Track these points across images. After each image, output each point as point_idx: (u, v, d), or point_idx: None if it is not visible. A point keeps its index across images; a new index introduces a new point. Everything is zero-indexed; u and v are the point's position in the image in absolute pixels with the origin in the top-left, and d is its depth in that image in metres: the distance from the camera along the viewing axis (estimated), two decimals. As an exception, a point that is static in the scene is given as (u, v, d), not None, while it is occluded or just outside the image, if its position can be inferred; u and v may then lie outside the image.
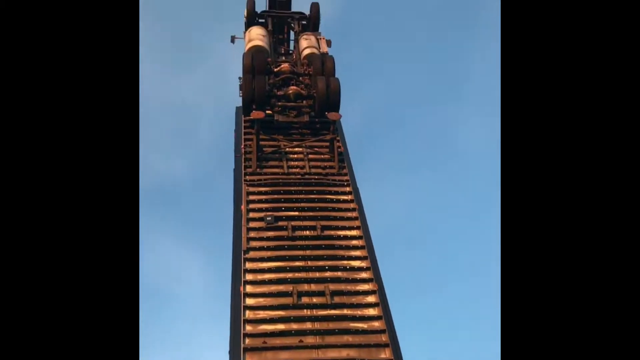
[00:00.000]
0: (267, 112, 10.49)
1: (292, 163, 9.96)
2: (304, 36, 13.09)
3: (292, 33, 14.65)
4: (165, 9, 30.59)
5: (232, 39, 14.74)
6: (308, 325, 7.13)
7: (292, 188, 9.39)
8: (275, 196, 9.20)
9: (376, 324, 7.23)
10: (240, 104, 13.39)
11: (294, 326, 7.11)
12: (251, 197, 9.13)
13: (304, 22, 14.19)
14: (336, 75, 11.07)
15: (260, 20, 14.05)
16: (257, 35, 12.67)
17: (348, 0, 30.28)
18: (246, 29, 13.87)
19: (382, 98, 29.76)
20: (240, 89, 14.03)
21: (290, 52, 14.39)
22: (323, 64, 11.26)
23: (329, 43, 13.38)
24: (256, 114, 9.88)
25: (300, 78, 11.40)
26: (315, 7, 14.00)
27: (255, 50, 12.13)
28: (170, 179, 29.31)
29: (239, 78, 14.32)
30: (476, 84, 29.48)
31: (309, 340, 6.96)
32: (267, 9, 14.50)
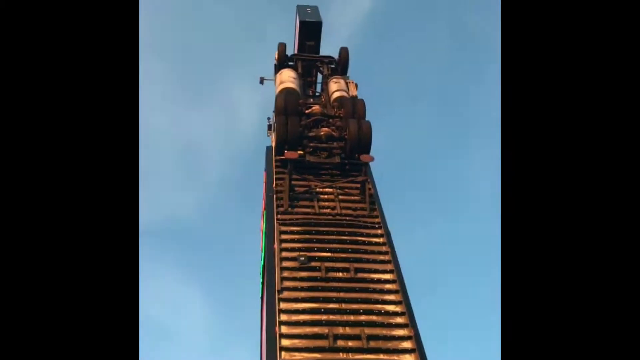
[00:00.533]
0: (299, 152, 10.59)
1: (323, 203, 9.98)
2: (334, 79, 13.31)
3: (319, 76, 14.94)
4: (177, 48, 31.24)
5: (261, 80, 15.06)
6: (344, 370, 7.01)
7: (323, 228, 9.37)
8: (307, 236, 9.18)
9: (413, 371, 7.09)
10: (268, 143, 13.62)
11: (330, 369, 6.99)
12: (283, 237, 9.11)
13: (332, 66, 14.46)
14: (367, 119, 11.23)
15: (290, 63, 14.32)
16: (288, 78, 12.90)
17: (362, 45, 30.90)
18: (276, 71, 14.17)
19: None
20: (269, 129, 14.29)
21: (318, 94, 14.62)
22: (354, 107, 11.40)
23: (356, 86, 13.61)
24: (290, 154, 9.95)
25: (331, 120, 11.55)
26: (344, 52, 14.28)
27: (287, 92, 12.31)
28: (177, 215, 29.36)
29: (268, 118, 14.58)
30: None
31: (346, 384, 6.82)
32: (297, 53, 14.82)
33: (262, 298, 10.23)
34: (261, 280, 10.45)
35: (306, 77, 14.52)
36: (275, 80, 13.93)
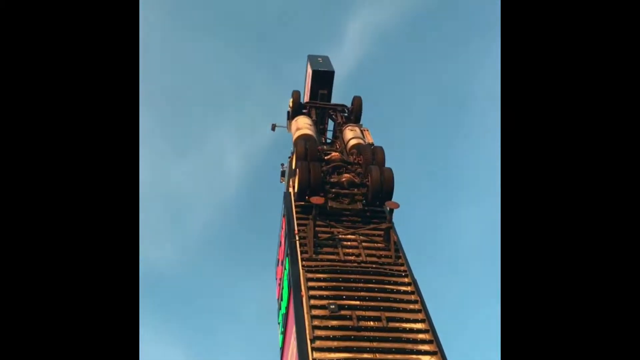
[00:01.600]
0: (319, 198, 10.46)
1: (347, 250, 9.79)
2: (349, 127, 13.35)
3: (331, 123, 15.01)
4: (161, 96, 31.43)
5: (273, 127, 15.10)
6: None
7: (350, 276, 9.16)
8: (335, 283, 8.95)
9: None
10: (282, 188, 13.53)
11: None
12: (310, 284, 8.87)
13: (345, 114, 14.54)
14: (387, 166, 11.19)
15: (303, 111, 14.38)
16: (304, 124, 12.92)
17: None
18: (289, 118, 14.21)
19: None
20: (282, 175, 14.22)
21: (330, 140, 14.65)
22: (374, 154, 11.38)
23: (370, 134, 13.66)
24: (316, 200, 9.82)
25: (351, 167, 11.51)
26: (357, 101, 14.40)
27: (303, 138, 12.30)
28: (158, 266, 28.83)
29: (282, 165, 14.55)
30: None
31: None
32: (309, 100, 14.91)
33: (282, 349, 9.90)
34: (282, 330, 10.16)
35: (319, 125, 14.56)
36: (289, 126, 13.97)
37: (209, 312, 33.40)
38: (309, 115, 14.06)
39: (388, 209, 10.04)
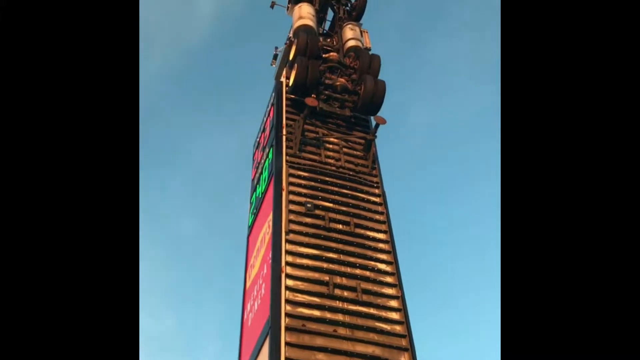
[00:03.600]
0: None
1: (328, 153, 10.43)
2: (349, 26, 13.39)
3: (330, 13, 14.90)
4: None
5: (272, 5, 14.90)
6: (340, 317, 7.80)
7: (327, 178, 9.89)
8: (313, 183, 9.69)
9: (398, 328, 7.99)
10: (273, 71, 13.76)
11: (328, 315, 7.76)
12: (291, 180, 9.58)
13: (348, 9, 14.46)
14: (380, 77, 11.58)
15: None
16: (307, 14, 12.85)
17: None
18: (291, 3, 14.04)
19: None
20: (274, 58, 14.34)
21: (324, 32, 14.66)
22: (370, 63, 11.70)
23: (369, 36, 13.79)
24: (311, 101, 10.25)
25: (345, 69, 11.84)
26: None
27: (304, 30, 12.37)
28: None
29: (276, 48, 14.60)
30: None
31: (341, 331, 7.64)
32: None
33: (251, 228, 10.80)
34: (253, 210, 10.99)
35: (319, 14, 14.48)
36: (291, 9, 13.83)
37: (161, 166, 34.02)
38: (312, 2, 13.93)
39: (375, 122, 10.61)
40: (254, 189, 11.37)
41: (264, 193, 10.31)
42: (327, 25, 14.88)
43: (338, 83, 11.31)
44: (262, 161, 11.18)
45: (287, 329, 7.37)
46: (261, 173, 11.01)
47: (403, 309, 8.21)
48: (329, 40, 13.61)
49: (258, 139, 12.48)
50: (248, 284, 9.77)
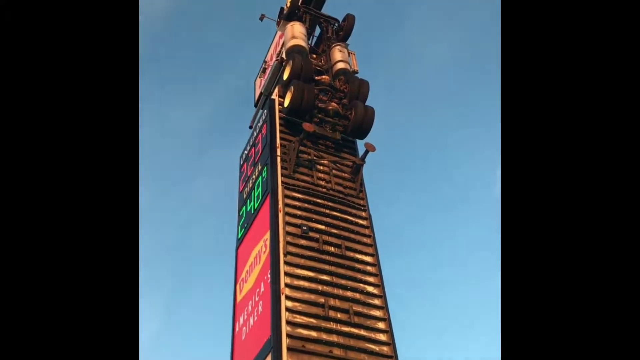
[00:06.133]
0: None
1: (320, 175, 10.99)
2: (338, 47, 13.91)
3: (317, 30, 15.37)
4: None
5: (261, 17, 15.30)
6: (334, 338, 8.43)
7: (319, 200, 10.47)
8: (307, 205, 10.24)
9: (385, 349, 8.70)
10: (257, 89, 14.18)
11: (324, 336, 8.37)
12: (287, 201, 10.11)
13: (335, 27, 14.97)
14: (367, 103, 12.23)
15: (297, 13, 14.60)
16: (300, 34, 13.34)
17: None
18: (281, 17, 14.48)
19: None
20: (263, 71, 14.77)
21: (311, 47, 15.14)
22: (360, 88, 12.32)
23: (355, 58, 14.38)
24: (308, 127, 10.79)
25: (335, 92, 12.42)
26: (350, 19, 14.79)
27: (297, 51, 12.87)
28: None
29: (264, 62, 15.02)
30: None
31: (336, 352, 8.28)
32: (303, 5, 15.02)
33: (241, 241, 11.27)
34: (243, 224, 11.45)
35: (308, 30, 14.95)
36: (282, 26, 14.24)
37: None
38: (302, 21, 14.39)
39: (365, 149, 11.24)
40: (244, 203, 11.81)
41: (257, 210, 10.78)
42: (313, 40, 15.37)
43: (330, 107, 11.88)
44: (254, 177, 11.62)
45: (289, 349, 7.95)
46: (252, 188, 11.47)
47: (390, 330, 8.92)
48: (316, 58, 14.07)
49: (247, 152, 12.89)
50: (239, 298, 10.25)
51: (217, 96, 37.15)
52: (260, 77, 15.05)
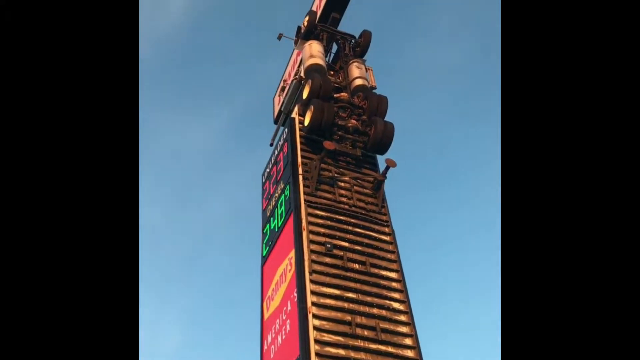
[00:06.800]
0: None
1: (341, 191, 11.11)
2: (355, 64, 14.09)
3: (334, 46, 15.57)
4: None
5: (279, 37, 15.54)
6: (362, 356, 8.50)
7: (342, 217, 10.58)
8: (330, 222, 10.35)
9: (413, 365, 8.75)
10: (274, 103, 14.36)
11: (352, 354, 8.44)
12: (310, 219, 10.23)
13: (352, 45, 15.15)
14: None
15: (315, 32, 14.83)
16: (318, 53, 13.55)
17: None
18: (299, 37, 14.69)
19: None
20: (282, 90, 14.98)
21: (329, 64, 15.33)
22: (378, 104, 12.45)
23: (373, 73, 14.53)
24: (329, 145, 10.92)
25: (354, 109, 12.56)
26: (367, 35, 14.96)
27: (316, 69, 13.06)
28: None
29: (284, 81, 15.25)
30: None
31: (365, 369, 8.35)
32: (320, 23, 15.27)
33: (266, 258, 11.41)
34: (268, 242, 11.59)
35: (325, 48, 15.14)
36: (300, 45, 14.43)
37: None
38: (319, 39, 14.60)
39: (386, 165, 11.34)
40: (267, 221, 11.96)
41: (281, 228, 10.92)
42: (331, 57, 15.56)
43: (350, 124, 12.01)
44: (277, 195, 11.78)
45: (318, 367, 8.04)
46: (275, 206, 11.62)
47: (417, 347, 8.97)
48: (334, 75, 14.25)
49: (269, 170, 13.06)
50: (266, 315, 10.37)
51: (234, 111, 37.56)
52: (279, 95, 15.27)
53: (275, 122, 15.77)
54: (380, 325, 8.99)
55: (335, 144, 11.48)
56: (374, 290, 9.55)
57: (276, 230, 11.21)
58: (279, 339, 9.37)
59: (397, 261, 10.26)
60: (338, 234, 10.24)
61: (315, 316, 8.70)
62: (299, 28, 14.97)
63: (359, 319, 8.98)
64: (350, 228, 10.46)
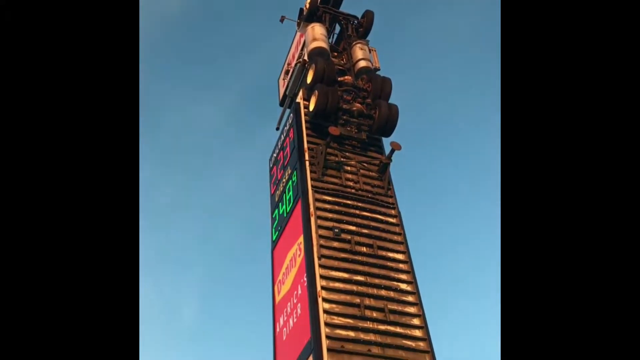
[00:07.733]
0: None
1: (348, 176, 11.29)
2: (359, 45, 14.12)
3: (337, 27, 15.57)
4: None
5: (282, 19, 15.57)
6: (372, 337, 8.79)
7: (349, 202, 10.79)
8: (337, 207, 10.57)
9: (421, 344, 9.02)
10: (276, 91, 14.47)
11: (362, 335, 8.73)
12: (318, 204, 10.45)
13: (355, 25, 15.14)
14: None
15: (318, 13, 14.80)
16: (321, 36, 13.57)
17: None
18: (301, 19, 14.69)
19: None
20: (286, 73, 15.06)
21: (332, 45, 15.35)
22: (382, 86, 12.53)
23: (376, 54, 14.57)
24: (334, 130, 11.07)
25: (358, 92, 12.65)
26: (370, 15, 14.94)
27: (319, 53, 13.12)
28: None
29: (287, 64, 15.29)
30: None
31: (375, 350, 8.64)
32: (321, 5, 15.18)
33: (276, 243, 11.68)
34: (277, 226, 11.85)
35: (328, 30, 15.15)
36: (303, 27, 14.46)
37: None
38: (322, 21, 14.60)
39: (391, 148, 11.48)
40: (276, 206, 12.19)
41: (289, 214, 11.16)
42: (334, 38, 15.55)
43: (355, 108, 12.12)
44: (284, 181, 11.98)
45: (329, 350, 8.34)
46: (284, 192, 11.84)
47: (425, 326, 9.25)
48: (338, 57, 14.29)
49: (276, 155, 13.24)
50: (278, 299, 10.68)
51: (239, 90, 37.59)
52: (283, 79, 15.35)
53: (281, 104, 15.88)
54: (389, 306, 9.26)
55: (340, 129, 11.62)
56: (382, 272, 9.80)
57: (285, 215, 11.45)
58: (291, 321, 9.69)
59: (404, 243, 10.48)
60: (345, 218, 10.46)
61: (325, 300, 8.97)
62: (301, 10, 14.96)
63: (367, 301, 9.25)
64: (357, 212, 10.66)
